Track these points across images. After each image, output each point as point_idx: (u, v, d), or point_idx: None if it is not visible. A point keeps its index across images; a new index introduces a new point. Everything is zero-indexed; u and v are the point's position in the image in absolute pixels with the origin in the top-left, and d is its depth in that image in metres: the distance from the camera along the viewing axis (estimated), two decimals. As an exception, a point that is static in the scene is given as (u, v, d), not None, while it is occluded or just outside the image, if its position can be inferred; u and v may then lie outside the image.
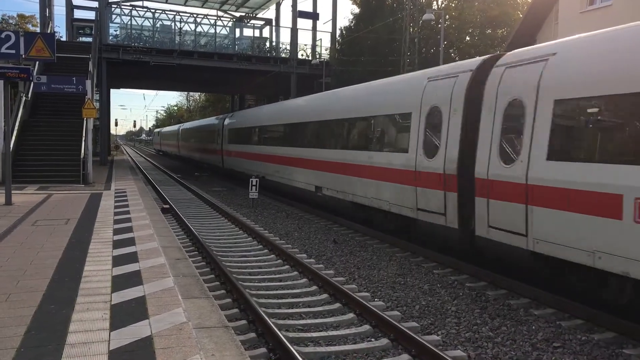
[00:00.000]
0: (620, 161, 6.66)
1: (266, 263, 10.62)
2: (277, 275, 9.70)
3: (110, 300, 5.97)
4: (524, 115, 8.23)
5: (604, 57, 7.23)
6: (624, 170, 6.54)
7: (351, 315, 7.44)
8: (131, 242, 9.25)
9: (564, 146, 7.62)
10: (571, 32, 9.99)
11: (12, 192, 13.97)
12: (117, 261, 7.80)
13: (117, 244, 9.01)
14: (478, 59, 10.23)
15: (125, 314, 5.52)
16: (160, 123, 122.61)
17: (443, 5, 36.69)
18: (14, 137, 18.74)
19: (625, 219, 6.46)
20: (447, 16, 34.71)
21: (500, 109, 8.76)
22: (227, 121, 29.75)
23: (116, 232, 10.16)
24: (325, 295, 8.37)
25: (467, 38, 36.65)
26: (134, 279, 6.88)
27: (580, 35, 8.11)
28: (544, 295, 8.10)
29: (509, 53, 9.28)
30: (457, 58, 32.76)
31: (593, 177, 6.93)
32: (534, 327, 7.16)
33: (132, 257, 8.06)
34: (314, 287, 8.84)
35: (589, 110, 7.15)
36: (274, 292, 8.66)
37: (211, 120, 37.13)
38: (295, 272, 9.82)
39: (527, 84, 8.21)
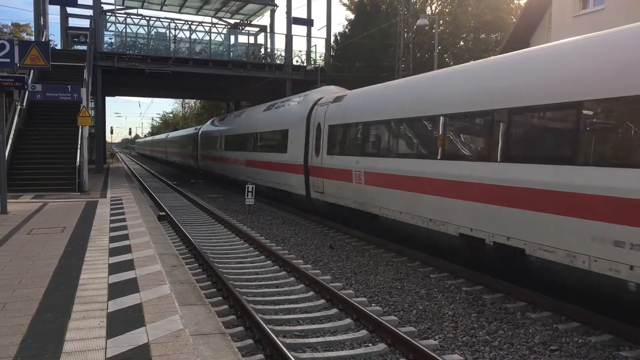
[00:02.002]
0: (352, 153, 14.07)
1: (263, 269, 10.62)
2: (274, 282, 9.69)
3: (107, 308, 5.95)
4: (321, 131, 16.03)
5: (345, 105, 15.11)
6: (355, 158, 13.80)
7: (348, 320, 7.44)
8: (127, 249, 9.23)
9: (331, 147, 15.34)
10: (564, 35, 10.03)
11: (8, 200, 13.94)
12: (114, 269, 7.79)
13: (113, 252, 8.99)
14: (314, 99, 17.61)
15: (121, 322, 5.50)
16: (155, 130, 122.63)
17: (437, 11, 36.81)
18: (9, 146, 18.71)
19: (353, 182, 13.65)
20: (441, 21, 34.85)
21: (314, 128, 16.60)
22: (201, 130, 37.04)
23: (112, 239, 10.14)
24: (322, 301, 8.37)
25: (462, 43, 36.76)
26: (131, 286, 6.87)
27: (357, 90, 15.92)
28: (541, 298, 8.12)
29: (322, 98, 17.10)
30: (451, 63, 32.87)
31: (343, 162, 14.42)
32: (530, 331, 7.17)
33: (129, 265, 8.05)
34: (311, 293, 8.84)
35: (343, 130, 14.83)
36: (271, 298, 8.66)
37: (188, 130, 47.27)
38: (292, 278, 9.82)
39: (322, 116, 16.20)
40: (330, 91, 17.92)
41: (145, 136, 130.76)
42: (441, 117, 10.24)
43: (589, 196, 6.99)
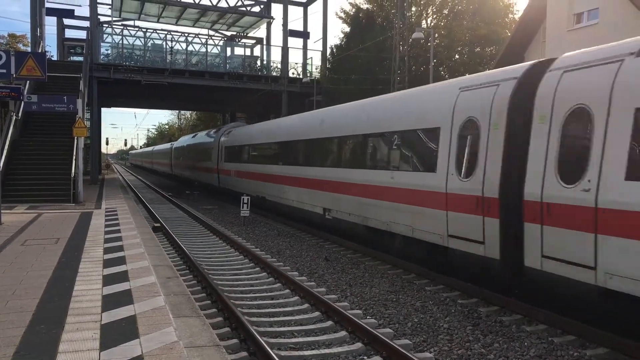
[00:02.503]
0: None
1: (258, 281, 10.58)
2: (269, 293, 9.66)
3: (101, 320, 5.92)
4: (222, 150, 26.86)
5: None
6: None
7: (343, 333, 7.41)
8: (122, 261, 9.19)
9: (228, 158, 24.93)
10: (559, 49, 10.14)
11: (2, 211, 13.89)
12: (108, 280, 7.75)
13: (107, 263, 8.95)
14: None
15: (115, 334, 5.47)
16: (151, 141, 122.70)
17: (432, 24, 37.08)
18: (3, 157, 18.67)
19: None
20: (437, 35, 35.10)
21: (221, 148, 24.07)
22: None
23: (107, 251, 10.10)
24: (317, 313, 8.34)
25: (457, 56, 37.01)
26: (125, 298, 6.83)
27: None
28: (536, 311, 8.11)
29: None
30: (447, 76, 33.06)
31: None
32: (526, 344, 7.16)
33: (123, 276, 8.02)
34: (306, 305, 8.81)
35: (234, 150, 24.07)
36: (266, 310, 8.62)
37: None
38: (287, 290, 9.79)
39: (223, 142, 25.38)
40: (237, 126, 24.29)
41: (141, 147, 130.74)
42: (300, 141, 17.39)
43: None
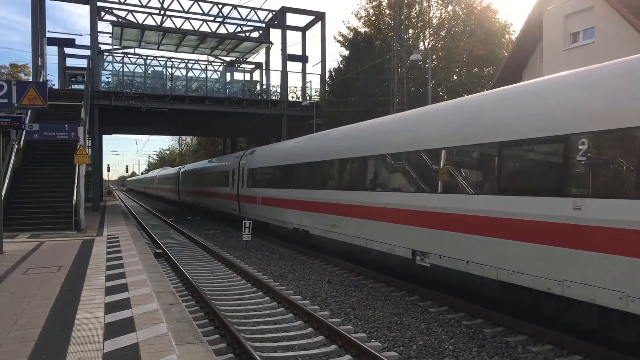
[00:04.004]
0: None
1: (261, 305, 10.52)
2: (272, 318, 9.60)
3: (103, 349, 5.88)
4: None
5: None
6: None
7: (348, 357, 7.34)
8: (124, 288, 9.15)
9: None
10: (555, 69, 10.21)
11: (4, 240, 13.87)
12: (110, 308, 7.71)
13: (109, 291, 8.92)
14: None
15: (118, 362, 5.43)
16: (152, 167, 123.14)
17: (430, 46, 37.42)
18: (5, 186, 18.70)
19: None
20: (434, 56, 35.37)
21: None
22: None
23: (108, 278, 10.06)
24: (321, 337, 8.27)
25: (455, 77, 37.27)
26: (127, 325, 6.79)
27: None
28: (542, 331, 8.05)
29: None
30: (445, 97, 33.25)
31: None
32: (532, 364, 7.08)
33: (125, 304, 7.97)
34: (310, 329, 8.75)
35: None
36: (269, 335, 8.56)
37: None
38: (290, 314, 9.72)
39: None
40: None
41: (142, 173, 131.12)
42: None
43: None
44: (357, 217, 13.21)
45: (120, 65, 36.19)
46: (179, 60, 46.15)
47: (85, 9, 36.01)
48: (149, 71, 36.65)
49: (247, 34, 38.79)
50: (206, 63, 44.91)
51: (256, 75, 45.52)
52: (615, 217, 6.52)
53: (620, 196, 6.52)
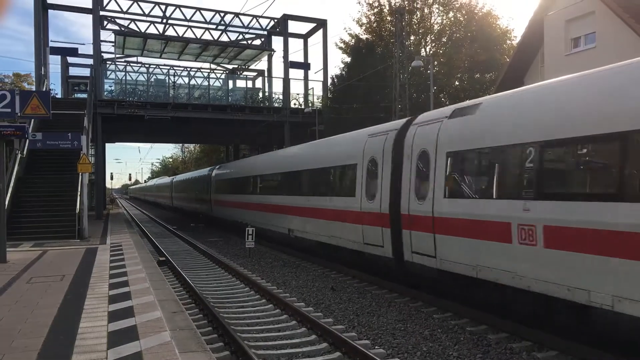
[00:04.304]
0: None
1: (264, 313, 10.50)
2: (276, 325, 9.58)
3: (107, 357, 5.87)
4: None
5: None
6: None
7: (352, 364, 7.32)
8: (127, 296, 9.15)
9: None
10: (557, 74, 10.24)
11: (7, 249, 13.90)
12: (113, 316, 7.71)
13: (112, 299, 8.92)
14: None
15: (121, 371, 5.42)
16: (155, 175, 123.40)
17: (431, 52, 37.47)
18: (9, 195, 18.74)
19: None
20: (436, 62, 35.44)
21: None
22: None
23: (112, 286, 10.07)
24: (324, 344, 8.25)
25: (457, 82, 37.30)
26: (130, 334, 6.79)
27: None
28: (547, 337, 8.01)
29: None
30: (447, 102, 33.26)
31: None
32: (537, 370, 7.05)
33: (128, 312, 7.97)
34: (313, 336, 8.72)
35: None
36: (273, 342, 8.54)
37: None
38: (294, 321, 9.70)
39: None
40: None
41: (145, 181, 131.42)
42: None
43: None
44: (267, 211, 20.80)
45: (123, 73, 36.24)
46: (182, 69, 46.30)
47: (88, 18, 36.29)
48: (152, 79, 36.76)
49: (249, 41, 38.90)
50: (209, 71, 45.03)
51: (258, 83, 45.60)
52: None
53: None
